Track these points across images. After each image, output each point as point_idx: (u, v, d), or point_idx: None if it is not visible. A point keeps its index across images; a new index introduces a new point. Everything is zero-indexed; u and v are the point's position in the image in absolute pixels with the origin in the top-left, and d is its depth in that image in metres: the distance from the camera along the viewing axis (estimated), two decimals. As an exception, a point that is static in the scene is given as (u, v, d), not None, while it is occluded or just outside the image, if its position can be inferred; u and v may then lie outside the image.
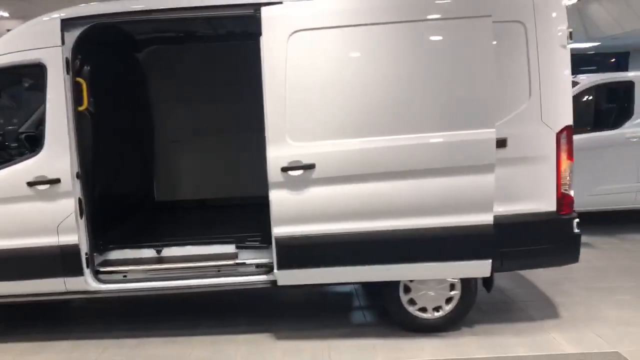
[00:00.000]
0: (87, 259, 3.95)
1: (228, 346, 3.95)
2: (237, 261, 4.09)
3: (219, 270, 4.08)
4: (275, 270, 3.81)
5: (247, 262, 4.06)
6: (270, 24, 3.64)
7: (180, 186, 5.89)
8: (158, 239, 4.39)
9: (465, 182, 3.66)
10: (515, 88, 3.79)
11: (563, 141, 3.85)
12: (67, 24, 3.78)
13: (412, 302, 4.02)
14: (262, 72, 3.65)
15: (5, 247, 3.87)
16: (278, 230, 3.75)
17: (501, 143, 3.78)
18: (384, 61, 3.63)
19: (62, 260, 3.89)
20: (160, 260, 4.28)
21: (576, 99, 6.97)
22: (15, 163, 3.89)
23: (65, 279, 3.93)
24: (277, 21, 3.64)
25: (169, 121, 5.74)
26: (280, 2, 3.68)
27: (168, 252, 4.31)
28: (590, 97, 7.11)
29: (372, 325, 4.14)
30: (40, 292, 3.98)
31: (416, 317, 4.03)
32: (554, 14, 3.81)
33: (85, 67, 4.00)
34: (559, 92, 3.85)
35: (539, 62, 3.77)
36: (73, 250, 3.88)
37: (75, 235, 3.87)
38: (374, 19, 3.61)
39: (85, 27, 3.80)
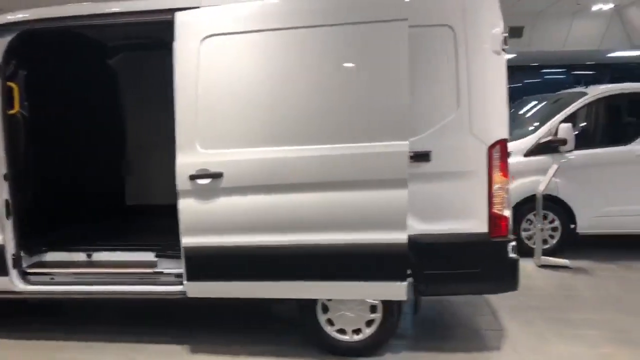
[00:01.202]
0: (13, 259, 4.01)
1: (144, 355, 3.87)
2: (156, 270, 4.02)
3: (141, 278, 4.03)
4: (184, 282, 3.71)
5: (165, 271, 3.98)
6: (184, 30, 3.57)
7: (152, 190, 5.91)
8: (93, 243, 4.41)
9: (377, 198, 3.40)
10: (442, 97, 3.51)
11: (496, 156, 3.50)
12: (-1, 30, 3.89)
13: (330, 322, 3.78)
14: (174, 78, 3.58)
15: None
16: (187, 241, 3.65)
17: (423, 157, 3.51)
18: (294, 68, 3.46)
19: (-12, 260, 3.98)
20: (90, 264, 4.29)
21: (584, 111, 6.51)
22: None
23: (-9, 278, 4.02)
24: (190, 26, 3.56)
25: (141, 126, 5.78)
26: (198, 7, 3.61)
27: (98, 256, 4.32)
28: (600, 110, 6.54)
29: (294, 346, 3.93)
30: (-28, 289, 4.09)
31: (334, 339, 3.78)
32: (486, 17, 3.50)
33: (21, 71, 4.09)
34: (492, 102, 3.52)
35: (468, 69, 3.46)
36: (-3, 250, 3.96)
37: (1, 236, 3.95)
38: (285, 24, 3.45)
39: (15, 33, 3.89)
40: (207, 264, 3.66)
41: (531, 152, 6.34)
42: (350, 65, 3.41)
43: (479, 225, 3.54)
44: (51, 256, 4.33)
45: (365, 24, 3.37)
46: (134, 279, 4.03)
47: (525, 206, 6.25)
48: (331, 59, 3.42)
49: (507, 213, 3.56)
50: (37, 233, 4.23)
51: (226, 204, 3.58)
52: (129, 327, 4.38)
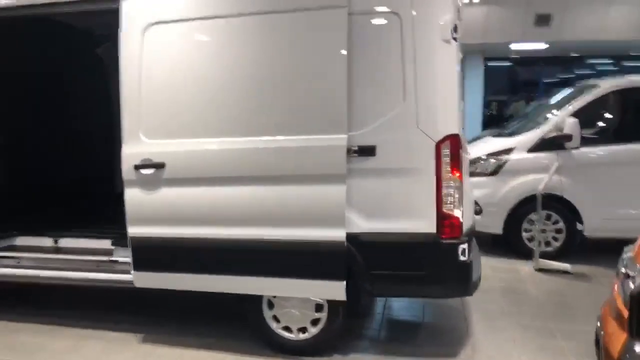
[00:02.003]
0: (-20, 242, 4.15)
1: (93, 341, 3.91)
2: (112, 258, 4.05)
3: (98, 266, 4.06)
4: (132, 271, 3.71)
5: (120, 260, 4.00)
6: (129, 18, 3.54)
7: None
8: (61, 229, 4.48)
9: (315, 193, 3.28)
10: (387, 89, 3.30)
11: (445, 152, 3.27)
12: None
13: (276, 319, 3.68)
14: (120, 67, 3.56)
15: None
16: (132, 230, 3.64)
17: (369, 151, 3.33)
18: (232, 57, 3.38)
19: (-46, 242, 4.12)
20: (56, 250, 4.38)
21: (595, 105, 6.07)
22: None
23: (-43, 259, 4.16)
24: (135, 14, 3.53)
25: None
26: (145, -5, 3.56)
27: (64, 242, 4.40)
28: (613, 104, 6.07)
29: (242, 340, 3.85)
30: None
31: (279, 336, 3.68)
32: (435, 4, 3.27)
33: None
34: (440, 95, 3.29)
35: (415, 59, 3.24)
36: (-38, 233, 4.10)
37: (-36, 219, 4.09)
38: (222, 11, 3.36)
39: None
40: (151, 254, 3.65)
41: (535, 148, 5.97)
42: (287, 54, 3.28)
43: (426, 225, 3.33)
44: (21, 240, 4.45)
45: (303, 12, 3.23)
46: (91, 266, 4.07)
47: (526, 205, 5.90)
48: (269, 49, 3.31)
49: (458, 213, 3.34)
50: (8, 217, 4.34)
51: (168, 195, 3.55)
52: (87, 312, 4.43)
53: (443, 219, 3.31)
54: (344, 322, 3.61)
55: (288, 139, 3.30)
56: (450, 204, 3.31)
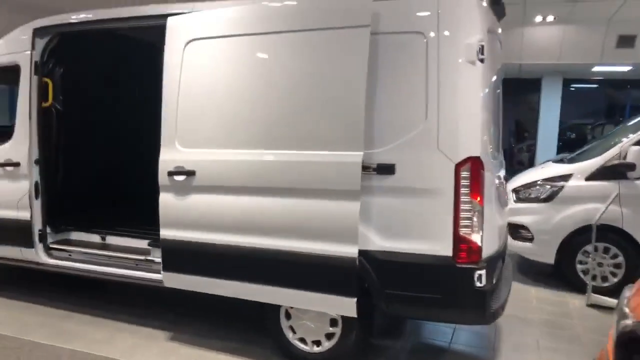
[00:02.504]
0: (40, 234, 4.55)
1: (126, 335, 4.17)
2: (148, 257, 4.29)
3: (136, 264, 4.33)
4: (162, 271, 3.93)
5: (156, 259, 4.23)
6: (172, 33, 3.79)
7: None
8: (110, 227, 4.82)
9: (331, 208, 3.32)
10: (410, 109, 3.29)
11: (464, 174, 3.21)
12: (38, 32, 4.43)
13: (292, 329, 3.75)
14: (162, 79, 3.81)
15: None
16: (164, 233, 3.86)
17: (388, 169, 3.33)
18: (260, 73, 3.52)
19: (18, 233, 4.55)
20: (103, 246, 4.71)
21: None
22: (-6, 147, 4.68)
23: (21, 248, 4.59)
24: (178, 30, 3.77)
25: None
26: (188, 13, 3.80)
27: (110, 240, 4.72)
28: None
29: (264, 348, 3.93)
30: (8, 257, 4.70)
31: (295, 347, 3.74)
32: (462, 25, 3.23)
33: (57, 69, 4.62)
34: (463, 116, 3.23)
35: (439, 79, 3.22)
36: (26, 225, 4.51)
37: (28, 213, 4.50)
38: (254, 29, 3.51)
39: (51, 35, 4.41)
40: (179, 256, 3.84)
41: (595, 175, 5.63)
42: (311, 71, 3.37)
43: (442, 248, 3.27)
44: (75, 235, 4.83)
45: (327, 30, 3.31)
46: (131, 264, 4.34)
47: (582, 236, 5.56)
48: (293, 66, 3.41)
49: (477, 238, 3.25)
50: (64, 213, 4.74)
51: (197, 202, 3.73)
52: (124, 307, 4.72)
53: (460, 242, 3.24)
54: (360, 339, 3.60)
55: (307, 153, 3.37)
56: (468, 227, 3.24)
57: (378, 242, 3.37)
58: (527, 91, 14.22)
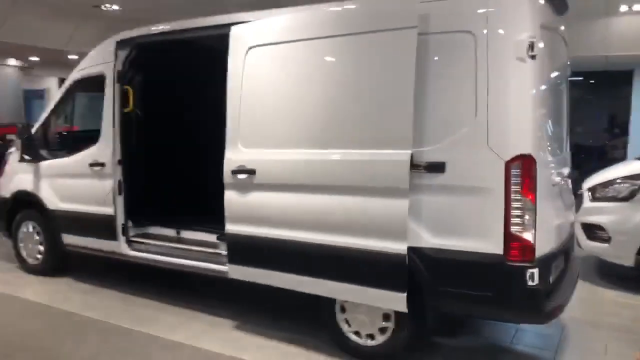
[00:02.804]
0: (122, 228, 5.00)
1: (196, 322, 4.50)
2: (217, 250, 4.59)
3: (207, 257, 4.64)
4: (227, 264, 4.20)
5: (223, 253, 4.51)
6: (235, 41, 4.05)
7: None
8: (183, 222, 5.19)
9: (380, 205, 3.42)
10: (460, 107, 3.32)
11: (515, 172, 3.19)
12: (119, 44, 4.88)
13: (347, 322, 3.88)
14: (227, 84, 4.08)
15: (75, 210, 5.22)
16: (229, 227, 4.13)
17: (439, 167, 3.38)
18: (314, 76, 3.70)
19: (104, 226, 5.03)
20: (178, 240, 5.09)
21: None
22: (85, 149, 5.18)
23: (105, 241, 5.07)
24: (239, 38, 4.03)
25: None
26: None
27: (184, 234, 5.09)
28: None
29: (324, 341, 4.08)
30: (94, 248, 5.21)
31: (349, 339, 3.86)
32: (511, 22, 3.21)
33: (137, 77, 5.06)
34: (513, 113, 3.21)
35: (488, 77, 3.22)
36: (110, 219, 4.97)
37: (112, 209, 4.96)
38: (309, 35, 3.69)
39: (131, 46, 4.84)
40: (242, 250, 4.10)
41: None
42: (362, 73, 3.49)
43: (493, 246, 3.26)
44: (153, 229, 5.26)
45: (377, 33, 3.41)
46: (202, 256, 4.67)
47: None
48: (345, 68, 3.56)
49: (529, 236, 3.21)
50: (143, 209, 5.17)
51: (257, 198, 3.97)
52: (196, 297, 5.08)
53: (511, 240, 3.23)
54: (413, 335, 3.67)
55: (359, 152, 3.50)
56: (520, 225, 3.21)
57: (429, 240, 3.43)
58: (618, 84, 13.35)
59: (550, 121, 3.72)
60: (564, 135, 4.32)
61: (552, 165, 3.68)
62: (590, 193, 5.87)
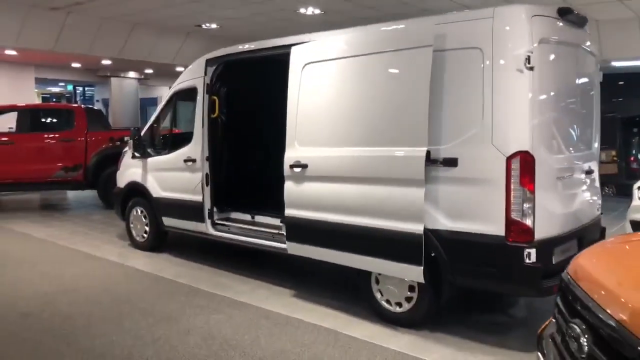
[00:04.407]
0: (209, 213, 6.09)
1: (262, 290, 5.45)
2: (280, 232, 5.50)
3: (273, 237, 5.59)
4: (286, 241, 5.10)
5: (284, 233, 5.41)
6: (294, 59, 4.95)
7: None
8: (257, 208, 6.18)
9: (402, 193, 4.14)
10: (469, 111, 3.97)
11: (514, 166, 3.79)
12: (208, 62, 5.98)
13: (380, 292, 4.61)
14: (288, 95, 4.99)
15: (173, 198, 6.40)
16: (287, 211, 5.03)
17: (452, 162, 4.04)
18: (355, 87, 4.52)
19: (194, 211, 6.14)
20: (252, 223, 6.09)
21: None
22: (181, 148, 6.34)
23: (195, 223, 6.18)
24: (298, 56, 4.92)
25: None
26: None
27: (257, 218, 6.09)
28: None
29: (363, 307, 4.84)
30: (187, 229, 6.35)
31: (382, 307, 4.59)
32: (512, 39, 3.83)
33: (222, 88, 6.13)
34: (513, 116, 3.81)
35: (493, 86, 3.84)
36: (199, 205, 6.08)
37: (201, 196, 6.06)
38: (348, 53, 4.51)
39: (219, 63, 5.93)
40: (298, 230, 4.98)
41: None
42: (387, 85, 4.27)
43: (497, 228, 3.87)
44: (233, 214, 6.31)
45: (401, 51, 4.14)
46: (269, 236, 5.62)
47: None
48: (375, 81, 4.35)
49: (528, 221, 3.78)
50: (225, 197, 6.24)
51: (309, 188, 4.83)
52: (266, 269, 6.08)
53: (511, 224, 3.82)
54: (435, 304, 4.34)
55: (386, 149, 4.24)
56: (519, 211, 3.79)
57: (445, 223, 4.09)
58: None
59: (560, 122, 4.23)
60: (589, 135, 4.76)
61: (561, 160, 4.19)
62: (638, 191, 6.10)
